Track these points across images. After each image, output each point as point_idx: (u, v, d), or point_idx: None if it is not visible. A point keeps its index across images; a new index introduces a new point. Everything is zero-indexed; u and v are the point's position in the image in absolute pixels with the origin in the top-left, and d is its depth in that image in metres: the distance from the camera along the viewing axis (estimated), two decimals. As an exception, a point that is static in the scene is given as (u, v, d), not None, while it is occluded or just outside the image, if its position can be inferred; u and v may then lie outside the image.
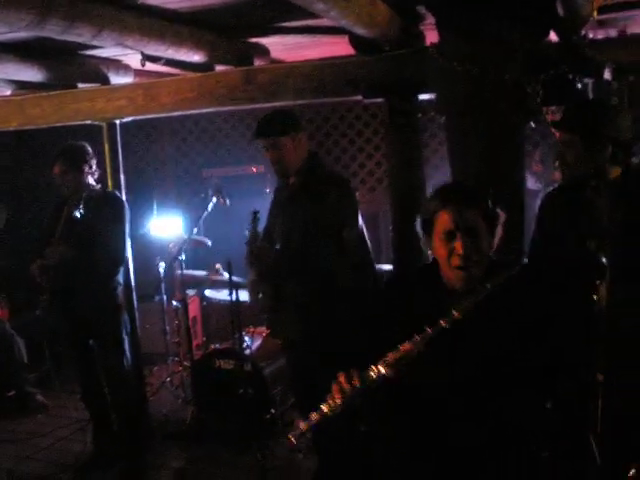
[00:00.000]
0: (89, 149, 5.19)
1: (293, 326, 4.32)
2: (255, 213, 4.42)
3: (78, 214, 4.97)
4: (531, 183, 6.65)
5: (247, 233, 4.42)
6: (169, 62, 5.02)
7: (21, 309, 7.11)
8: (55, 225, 5.13)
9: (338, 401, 2.45)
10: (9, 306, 6.88)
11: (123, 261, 5.20)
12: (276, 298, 4.35)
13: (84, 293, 5.06)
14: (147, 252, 6.37)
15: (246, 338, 5.78)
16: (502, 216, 2.67)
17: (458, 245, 2.53)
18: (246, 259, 4.43)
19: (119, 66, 5.61)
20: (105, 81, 5.60)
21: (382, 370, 2.44)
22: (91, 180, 5.16)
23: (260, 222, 4.46)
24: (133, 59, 5.36)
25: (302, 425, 2.51)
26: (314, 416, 2.48)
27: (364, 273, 4.39)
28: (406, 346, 2.46)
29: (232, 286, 5.41)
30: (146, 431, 5.56)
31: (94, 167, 5.17)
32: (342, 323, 4.01)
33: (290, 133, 4.27)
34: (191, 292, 6.80)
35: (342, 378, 2.49)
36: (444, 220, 2.58)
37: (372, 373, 2.45)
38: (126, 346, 5.23)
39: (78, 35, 3.70)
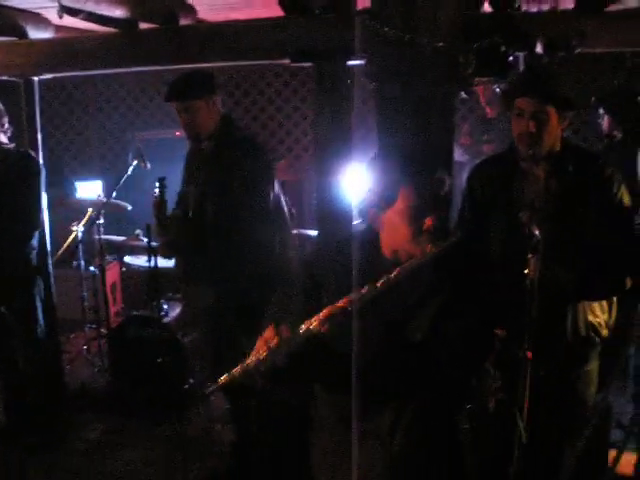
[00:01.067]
0: (0, 106, 4.96)
1: (205, 297, 4.21)
2: (161, 180, 4.29)
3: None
4: (458, 155, 6.63)
5: (153, 200, 4.30)
6: (90, 17, 4.81)
7: None
8: None
9: (263, 354, 2.29)
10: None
11: (39, 224, 4.99)
12: (187, 270, 4.24)
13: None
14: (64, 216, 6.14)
15: (165, 306, 5.66)
16: None
17: None
18: (154, 228, 4.31)
19: (38, 20, 5.37)
20: (23, 35, 5.36)
21: (312, 325, 2.29)
22: (2, 138, 4.93)
23: (168, 189, 4.33)
24: (53, 13, 5.13)
25: (221, 379, 2.37)
26: (236, 370, 2.35)
27: (278, 241, 4.28)
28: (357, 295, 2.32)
29: (151, 252, 5.27)
30: (61, 401, 5.39)
31: (5, 125, 4.94)
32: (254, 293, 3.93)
33: (204, 96, 4.17)
34: (110, 258, 6.64)
35: (269, 332, 2.35)
36: None
37: (303, 327, 2.30)
38: (40, 313, 5.05)
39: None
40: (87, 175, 7.58)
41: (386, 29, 3.65)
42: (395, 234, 2.44)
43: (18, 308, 5.02)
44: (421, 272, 2.33)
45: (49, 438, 5.18)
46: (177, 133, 7.48)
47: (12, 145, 5.04)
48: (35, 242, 4.98)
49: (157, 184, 4.29)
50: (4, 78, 5.47)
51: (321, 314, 2.29)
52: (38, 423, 5.21)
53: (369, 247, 2.53)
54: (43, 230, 5.20)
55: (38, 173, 4.92)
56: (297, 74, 7.82)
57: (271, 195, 4.16)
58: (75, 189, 7.35)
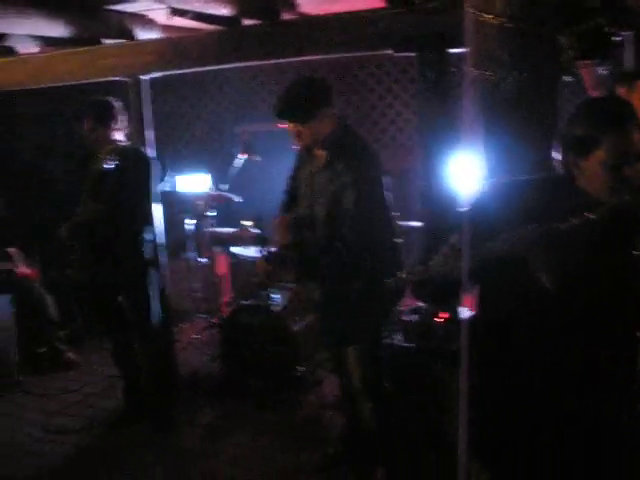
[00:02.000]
0: (116, 104, 5.13)
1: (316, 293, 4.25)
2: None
3: (107, 170, 4.94)
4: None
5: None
6: (196, 16, 4.96)
7: (51, 268, 7.14)
8: (83, 182, 5.12)
9: None
10: (39, 265, 6.90)
11: (150, 218, 5.17)
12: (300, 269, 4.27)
13: (111, 250, 5.05)
14: (175, 209, 6.31)
15: (274, 295, 5.76)
16: None
17: None
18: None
19: (144, 21, 5.52)
20: (130, 37, 5.54)
21: None
22: (119, 136, 5.11)
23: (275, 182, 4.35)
24: (158, 14, 5.31)
25: None
26: None
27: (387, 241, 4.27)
28: None
29: (261, 242, 5.39)
30: (174, 388, 5.57)
31: (122, 123, 5.11)
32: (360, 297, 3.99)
33: (314, 118, 3.91)
34: (220, 249, 6.77)
35: None
36: None
37: None
38: (154, 303, 5.22)
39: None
40: (195, 169, 7.74)
41: (488, 16, 3.64)
42: (594, 182, 2.45)
43: (134, 299, 5.21)
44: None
45: (164, 423, 5.36)
46: (280, 125, 7.59)
47: (128, 143, 5.23)
48: (148, 235, 5.15)
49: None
50: (115, 78, 5.68)
51: None
52: (154, 408, 5.41)
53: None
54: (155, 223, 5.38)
55: (149, 169, 5.09)
56: (399, 63, 7.81)
57: (383, 199, 4.10)
58: (174, 183, 7.53)
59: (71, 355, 6.82)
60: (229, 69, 7.18)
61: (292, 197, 4.43)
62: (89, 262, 5.16)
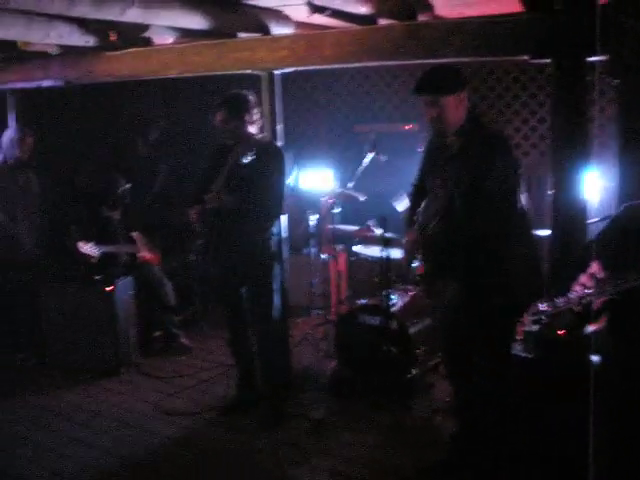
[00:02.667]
0: (251, 98, 5.21)
1: (450, 292, 4.18)
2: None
3: (243, 162, 5.01)
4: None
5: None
6: (334, 14, 4.99)
7: (171, 253, 7.32)
8: (214, 172, 5.21)
9: None
10: (160, 250, 7.08)
11: (281, 212, 5.22)
12: (433, 265, 4.22)
13: (240, 240, 5.13)
14: (298, 205, 6.38)
15: (393, 296, 5.75)
16: None
17: None
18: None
19: (280, 17, 5.58)
20: (265, 31, 5.61)
21: None
22: (252, 129, 5.18)
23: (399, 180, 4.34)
24: (294, 10, 5.35)
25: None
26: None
27: (524, 241, 4.21)
28: None
29: (384, 242, 5.39)
30: (287, 381, 5.62)
31: (256, 116, 5.19)
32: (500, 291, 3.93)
33: (455, 92, 4.05)
34: (339, 247, 6.80)
35: None
36: None
37: None
38: (276, 297, 5.28)
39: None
40: (317, 165, 7.79)
41: (631, 22, 3.54)
42: None
43: (257, 291, 5.29)
44: None
45: (275, 415, 5.42)
46: (405, 127, 7.59)
47: (263, 135, 5.30)
48: (275, 228, 5.21)
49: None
50: (248, 72, 5.76)
51: None
52: (266, 400, 5.48)
53: None
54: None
55: (282, 163, 5.15)
56: (527, 70, 7.68)
57: (520, 192, 4.07)
58: (297, 179, 7.59)
59: (185, 340, 6.99)
60: (355, 67, 7.19)
61: (419, 190, 4.45)
62: (215, 250, 5.26)
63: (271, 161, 5.11)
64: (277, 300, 5.28)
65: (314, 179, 7.38)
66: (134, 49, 6.23)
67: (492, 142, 4.09)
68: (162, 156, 8.60)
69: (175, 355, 6.86)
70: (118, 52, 6.32)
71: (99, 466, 4.91)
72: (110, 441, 5.25)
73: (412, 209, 4.49)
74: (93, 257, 6.55)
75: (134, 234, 6.86)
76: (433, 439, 5.01)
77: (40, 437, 5.37)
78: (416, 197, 4.48)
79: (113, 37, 5.91)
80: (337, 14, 5.06)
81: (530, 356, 4.57)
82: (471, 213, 3.92)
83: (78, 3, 4.38)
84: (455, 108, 4.07)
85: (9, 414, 5.77)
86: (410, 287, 5.93)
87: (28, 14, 5.11)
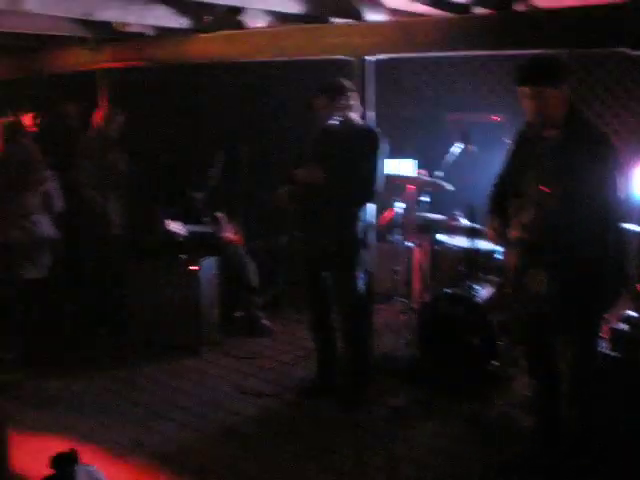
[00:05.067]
0: (348, 84, 5.20)
1: (542, 283, 4.11)
2: None
3: (338, 146, 5.05)
4: None
5: None
6: (429, 1, 4.96)
7: (256, 234, 7.39)
8: (308, 156, 5.24)
9: None
10: (244, 231, 7.15)
11: (372, 196, 5.19)
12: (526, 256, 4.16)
13: (328, 223, 5.14)
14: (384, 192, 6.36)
15: (477, 286, 5.71)
16: None
17: None
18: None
19: (373, 3, 5.56)
20: (357, 17, 5.61)
21: None
22: (350, 114, 5.18)
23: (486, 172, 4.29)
24: (388, -5, 5.35)
25: None
26: None
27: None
28: None
29: (471, 233, 5.36)
30: (368, 367, 5.63)
31: (352, 101, 5.17)
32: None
33: (558, 84, 3.92)
34: (426, 235, 6.75)
35: None
36: None
37: None
38: (361, 283, 5.28)
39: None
40: (401, 152, 7.75)
41: None
42: None
43: (342, 276, 5.29)
44: None
45: (353, 401, 5.45)
46: (493, 117, 7.48)
47: (361, 122, 5.31)
48: (363, 214, 5.21)
49: None
50: (340, 57, 5.77)
51: None
52: (346, 385, 5.52)
53: None
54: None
55: (378, 148, 5.13)
56: (604, 63, 7.47)
57: (621, 188, 3.98)
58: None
59: (266, 322, 7.05)
60: (442, 56, 7.12)
61: (502, 188, 4.41)
62: (303, 231, 5.29)
63: (366, 145, 5.09)
64: (362, 286, 5.28)
65: (400, 166, 7.34)
66: (226, 32, 6.30)
67: (594, 136, 3.98)
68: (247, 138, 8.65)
69: (256, 336, 6.92)
70: (210, 34, 6.39)
71: (179, 440, 5.02)
72: (189, 417, 5.35)
73: (496, 211, 4.43)
74: (180, 236, 6.63)
75: (219, 214, 6.94)
76: (512, 433, 4.97)
77: (122, 408, 5.51)
78: (499, 199, 4.42)
79: (207, 19, 5.99)
80: (433, 2, 5.03)
81: (618, 355, 4.51)
82: (572, 208, 3.85)
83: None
84: (557, 100, 3.94)
85: (93, 385, 5.92)
86: (494, 278, 5.87)
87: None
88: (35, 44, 7.70)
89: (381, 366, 5.96)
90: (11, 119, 6.46)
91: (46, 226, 6.34)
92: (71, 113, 8.11)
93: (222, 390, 5.80)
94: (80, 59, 7.73)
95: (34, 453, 4.40)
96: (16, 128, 6.43)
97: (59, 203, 6.42)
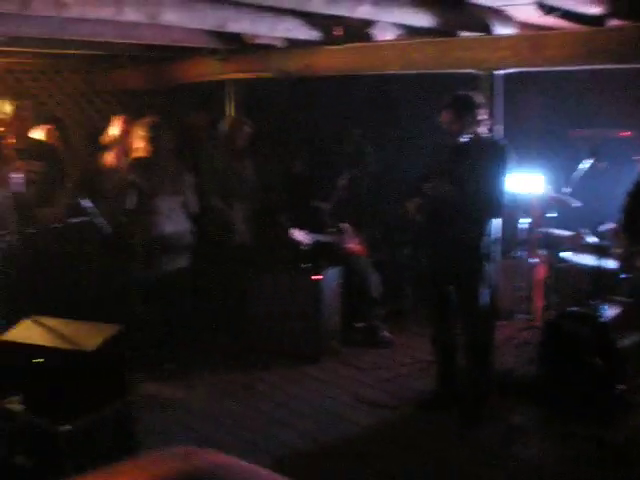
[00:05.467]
0: (478, 99, 5.16)
1: None
2: None
3: (467, 160, 5.02)
4: None
5: None
6: (563, 14, 4.89)
7: (379, 246, 7.40)
8: (437, 168, 5.22)
9: None
10: (368, 242, 7.17)
11: (499, 212, 5.15)
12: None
13: (455, 237, 5.12)
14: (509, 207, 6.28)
15: (603, 306, 5.57)
16: None
17: None
18: None
19: (502, 17, 5.52)
20: (486, 31, 5.57)
21: None
22: (479, 129, 5.14)
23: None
24: (518, 10, 5.29)
25: None
26: None
27: None
28: None
29: (598, 251, 5.24)
30: (489, 383, 5.56)
31: (481, 117, 5.13)
32: None
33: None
34: (551, 252, 6.64)
35: None
36: None
37: None
38: (485, 297, 5.23)
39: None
40: (529, 168, 7.65)
41: None
42: None
43: (466, 290, 5.25)
44: None
45: (472, 416, 5.39)
46: (623, 134, 7.30)
47: (490, 136, 5.28)
48: (489, 229, 5.16)
49: None
50: (468, 71, 5.74)
51: None
52: (465, 399, 5.47)
53: None
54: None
55: (507, 163, 5.08)
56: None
57: None
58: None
59: (387, 334, 7.05)
60: (569, 70, 6.98)
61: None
62: (429, 244, 5.27)
63: (495, 161, 5.06)
64: (486, 301, 5.23)
65: (525, 182, 7.25)
66: (355, 44, 6.34)
67: None
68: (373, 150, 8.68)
69: (376, 347, 6.91)
70: (339, 47, 6.45)
71: (295, 446, 5.07)
72: (307, 424, 5.40)
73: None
74: (304, 244, 6.70)
75: (343, 225, 6.99)
76: (636, 458, 4.81)
77: (240, 411, 5.61)
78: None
79: (338, 32, 6.05)
80: (564, 14, 4.95)
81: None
82: None
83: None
84: None
85: (214, 390, 6.04)
86: (621, 298, 5.72)
87: (258, 8, 5.31)
88: (166, 55, 7.93)
89: (501, 382, 5.86)
90: (154, 118, 6.53)
91: (187, 225, 6.51)
92: (198, 123, 8.31)
93: (341, 400, 5.82)
94: (209, 70, 7.92)
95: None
96: (160, 127, 6.51)
97: (195, 205, 6.58)
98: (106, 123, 7.29)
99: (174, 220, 6.32)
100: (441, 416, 5.44)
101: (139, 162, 6.27)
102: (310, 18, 5.83)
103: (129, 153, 6.58)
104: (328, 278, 6.62)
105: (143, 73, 8.85)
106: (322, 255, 6.84)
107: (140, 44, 6.67)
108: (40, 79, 8.75)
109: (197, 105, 8.60)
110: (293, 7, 4.86)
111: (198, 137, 8.15)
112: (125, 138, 6.79)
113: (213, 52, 7.54)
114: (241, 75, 7.74)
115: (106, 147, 7.02)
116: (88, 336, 4.22)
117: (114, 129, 6.99)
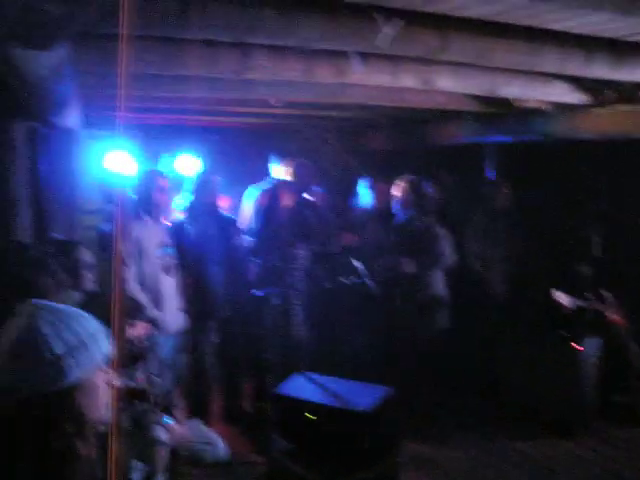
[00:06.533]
0: None
1: None
2: None
3: None
4: None
5: None
6: None
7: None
8: None
9: None
10: (628, 312, 6.86)
11: None
12: None
13: None
14: None
15: None
16: None
17: None
18: None
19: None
20: None
21: None
22: None
23: None
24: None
25: None
26: None
27: None
28: None
29: None
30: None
31: None
32: None
33: None
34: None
35: None
36: None
37: None
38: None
39: None
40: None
41: None
42: None
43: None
44: None
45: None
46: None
47: None
48: None
49: None
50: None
51: None
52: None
53: None
54: None
55: None
56: None
57: None
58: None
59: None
60: None
61: None
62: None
63: None
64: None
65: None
66: (625, 107, 6.11)
67: None
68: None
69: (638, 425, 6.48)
70: (607, 109, 6.25)
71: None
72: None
73: None
74: (566, 309, 6.51)
75: (604, 292, 6.73)
76: None
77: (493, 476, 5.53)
78: None
79: (607, 94, 5.88)
80: None
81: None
82: None
83: (595, 65, 4.42)
84: None
85: (466, 452, 5.97)
86: None
87: (529, 73, 5.28)
88: (425, 117, 8.01)
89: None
90: (413, 179, 6.70)
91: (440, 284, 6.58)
92: (444, 182, 8.32)
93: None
94: (465, 131, 7.92)
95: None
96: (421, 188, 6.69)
97: (450, 258, 6.63)
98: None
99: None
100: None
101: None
102: (580, 82, 5.72)
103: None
104: (588, 348, 6.38)
105: (398, 133, 8.99)
106: (581, 322, 6.61)
107: (404, 107, 6.79)
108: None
109: (448, 166, 8.61)
110: (572, 73, 4.77)
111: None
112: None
113: (469, 113, 7.53)
114: (500, 137, 7.68)
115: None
116: (361, 396, 4.28)
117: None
